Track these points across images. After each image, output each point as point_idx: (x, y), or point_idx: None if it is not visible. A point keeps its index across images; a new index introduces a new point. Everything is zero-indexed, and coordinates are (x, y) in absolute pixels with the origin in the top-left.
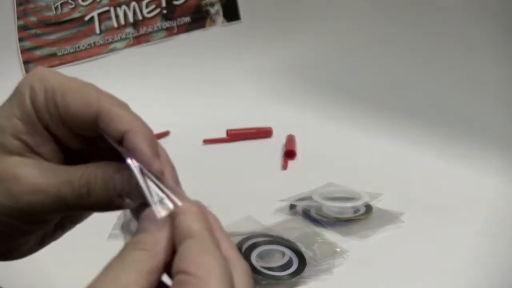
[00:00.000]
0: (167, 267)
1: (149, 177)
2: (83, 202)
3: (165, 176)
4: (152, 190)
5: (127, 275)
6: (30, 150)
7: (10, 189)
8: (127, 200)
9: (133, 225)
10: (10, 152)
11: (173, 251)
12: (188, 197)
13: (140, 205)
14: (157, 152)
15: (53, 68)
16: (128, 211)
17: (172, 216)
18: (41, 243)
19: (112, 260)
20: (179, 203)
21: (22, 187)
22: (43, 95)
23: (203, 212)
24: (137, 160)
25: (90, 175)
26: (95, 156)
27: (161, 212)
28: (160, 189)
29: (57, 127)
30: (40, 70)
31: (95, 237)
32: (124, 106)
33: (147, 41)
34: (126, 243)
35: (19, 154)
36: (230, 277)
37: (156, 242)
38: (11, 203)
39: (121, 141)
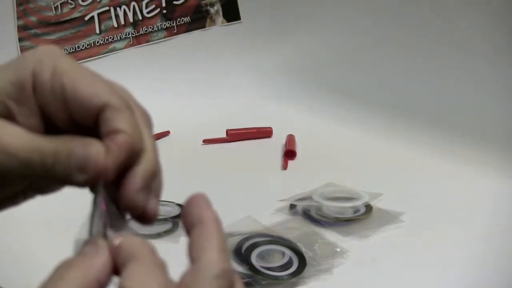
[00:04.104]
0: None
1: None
2: (48, 172)
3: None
4: (98, 222)
5: None
6: (10, 117)
7: None
8: (80, 175)
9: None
10: None
11: (109, 273)
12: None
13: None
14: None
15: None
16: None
17: (113, 246)
18: None
19: (46, 281)
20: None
21: None
22: (50, 72)
23: (143, 241)
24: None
25: (59, 145)
26: None
27: (112, 238)
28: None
29: (56, 108)
30: (50, 48)
31: None
32: (130, 109)
33: (147, 41)
34: (58, 264)
35: None
36: None
37: (91, 263)
38: None
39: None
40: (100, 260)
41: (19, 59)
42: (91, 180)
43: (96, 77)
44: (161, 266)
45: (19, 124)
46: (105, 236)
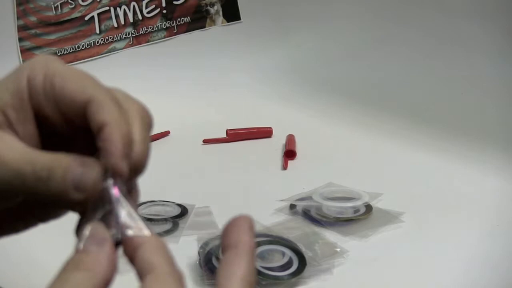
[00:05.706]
0: (108, 284)
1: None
2: (40, 187)
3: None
4: (122, 210)
5: None
6: (8, 125)
7: None
8: (77, 194)
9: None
10: None
11: (114, 269)
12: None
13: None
14: (128, 154)
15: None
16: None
17: (132, 245)
18: None
19: (52, 282)
20: (145, 231)
21: None
22: (42, 76)
23: (162, 244)
24: (106, 154)
25: (54, 160)
26: (74, 150)
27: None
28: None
29: (49, 109)
30: (44, 56)
31: None
32: (117, 102)
33: (147, 41)
34: (65, 263)
35: None
36: None
37: (97, 262)
38: None
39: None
40: (105, 257)
41: (17, 69)
42: (87, 199)
43: (85, 75)
44: (179, 281)
45: (17, 131)
46: (119, 225)
